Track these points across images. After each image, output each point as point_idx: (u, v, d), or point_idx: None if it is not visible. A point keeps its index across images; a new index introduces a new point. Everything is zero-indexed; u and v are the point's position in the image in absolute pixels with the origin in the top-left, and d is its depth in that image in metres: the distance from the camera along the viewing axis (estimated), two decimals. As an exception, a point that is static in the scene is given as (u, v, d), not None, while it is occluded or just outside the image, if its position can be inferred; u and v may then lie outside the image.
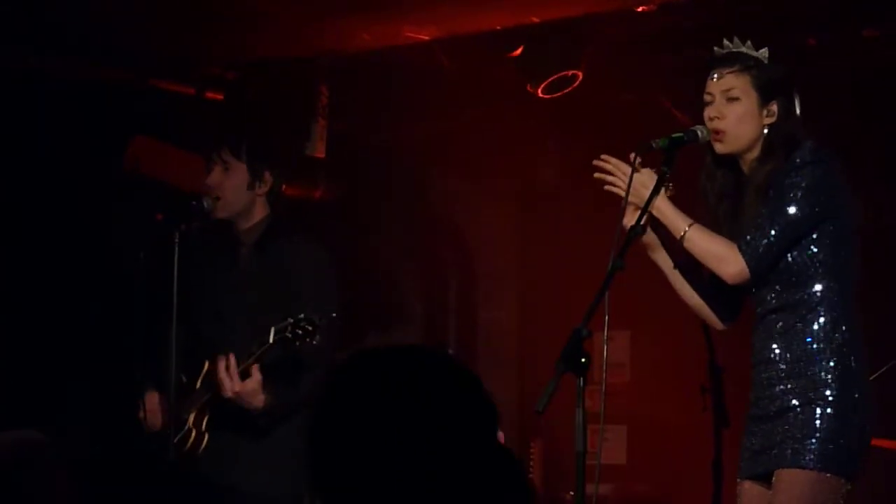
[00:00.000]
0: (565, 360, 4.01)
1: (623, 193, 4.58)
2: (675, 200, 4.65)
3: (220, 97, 8.09)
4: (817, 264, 4.52)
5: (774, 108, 4.59)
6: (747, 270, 4.51)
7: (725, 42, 4.63)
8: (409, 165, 8.70)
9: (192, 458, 5.40)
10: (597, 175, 4.67)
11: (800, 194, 4.47)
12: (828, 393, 4.45)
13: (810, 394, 4.46)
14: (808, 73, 5.56)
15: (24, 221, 7.45)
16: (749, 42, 4.60)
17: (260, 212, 5.55)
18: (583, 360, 4.00)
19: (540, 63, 7.34)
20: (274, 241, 5.52)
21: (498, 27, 7.35)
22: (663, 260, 4.75)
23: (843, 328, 4.51)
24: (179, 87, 7.98)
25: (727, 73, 4.59)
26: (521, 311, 8.85)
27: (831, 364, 4.47)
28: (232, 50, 7.78)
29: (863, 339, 4.55)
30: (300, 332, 5.05)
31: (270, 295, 5.42)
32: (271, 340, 5.11)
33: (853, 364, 4.50)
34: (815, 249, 4.52)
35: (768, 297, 4.58)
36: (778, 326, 4.56)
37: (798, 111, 4.62)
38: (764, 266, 4.52)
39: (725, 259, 4.54)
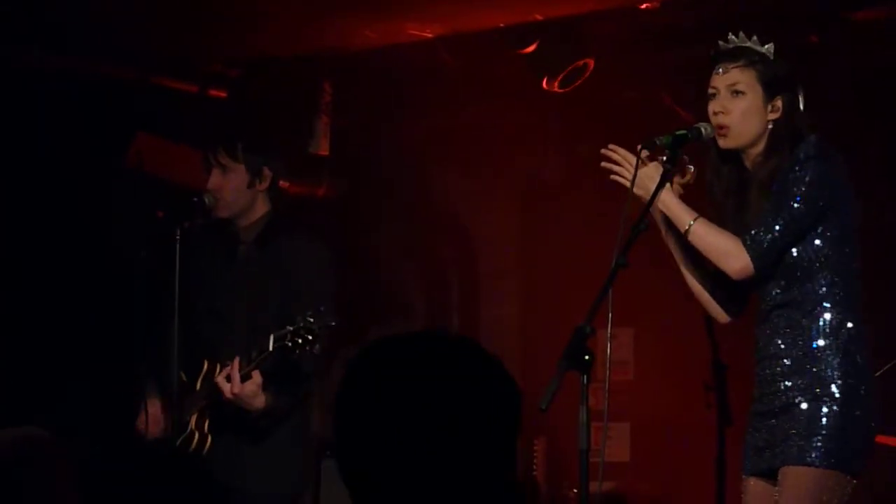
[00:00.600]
0: (568, 358, 4.00)
1: (627, 184, 4.58)
2: (682, 196, 4.64)
3: (224, 95, 8.09)
4: (822, 259, 4.51)
5: (779, 103, 4.58)
6: (752, 265, 4.50)
7: (731, 37, 4.62)
8: (412, 163, 8.69)
9: (195, 459, 5.38)
10: (603, 164, 4.66)
11: (804, 189, 4.46)
12: (834, 389, 4.44)
13: (816, 390, 4.45)
14: (809, 70, 5.54)
15: (25, 220, 7.44)
16: (755, 37, 4.59)
17: (261, 208, 5.54)
18: (586, 357, 4.00)
19: (553, 57, 7.33)
20: (274, 238, 5.50)
21: (501, 24, 7.35)
22: (675, 245, 4.73)
23: (849, 324, 4.50)
24: (182, 85, 7.97)
25: (732, 67, 4.59)
26: (524, 309, 8.84)
27: (837, 360, 4.46)
28: (235, 48, 7.78)
29: (867, 334, 4.55)
30: (300, 340, 5.04)
31: (269, 293, 5.40)
32: (270, 348, 5.10)
33: (859, 360, 4.49)
34: (820, 244, 4.51)
35: (773, 293, 4.57)
36: (782, 322, 4.55)
37: (802, 107, 4.61)
38: (768, 261, 4.51)
39: (730, 254, 4.53)
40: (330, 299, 5.25)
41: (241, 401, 5.21)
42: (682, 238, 4.65)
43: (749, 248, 4.49)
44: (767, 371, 4.57)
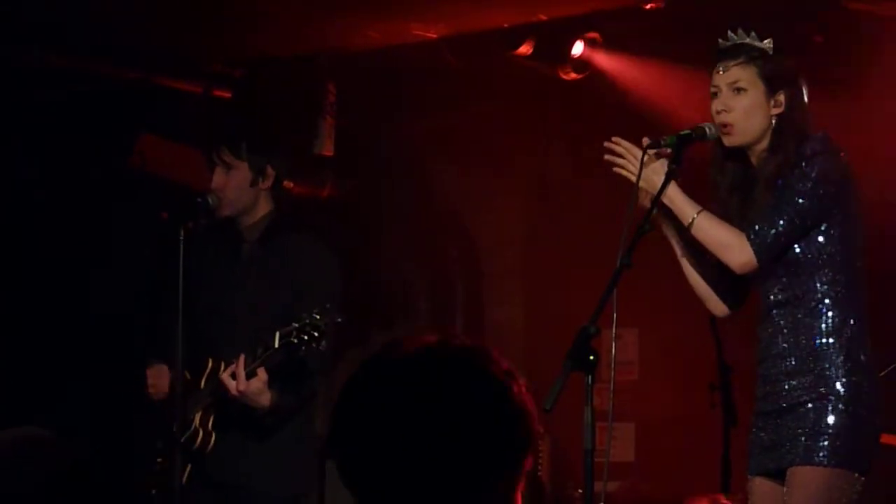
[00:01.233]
0: (573, 358, 3.99)
1: (631, 177, 4.57)
2: (687, 188, 4.63)
3: (228, 95, 8.08)
4: (825, 256, 4.50)
5: (781, 98, 4.56)
6: (755, 260, 4.49)
7: (730, 34, 4.61)
8: (415, 163, 8.68)
9: (200, 457, 5.38)
10: (607, 157, 4.64)
11: (809, 185, 4.45)
12: (839, 388, 4.43)
13: (821, 389, 4.44)
14: (813, 67, 5.52)
15: (25, 220, 7.44)
16: (753, 33, 4.57)
17: (263, 207, 5.53)
18: (591, 357, 3.98)
19: (557, 47, 7.35)
20: (277, 237, 5.50)
21: (505, 25, 7.34)
22: (674, 236, 4.72)
23: (852, 322, 4.49)
24: (186, 86, 7.97)
25: (733, 65, 4.57)
26: (528, 309, 8.83)
27: (840, 359, 4.45)
28: (238, 48, 7.78)
29: (869, 332, 4.53)
30: (305, 337, 5.03)
31: (273, 292, 5.40)
32: (276, 345, 5.09)
33: (862, 358, 4.48)
34: (823, 241, 4.50)
35: (775, 290, 4.55)
36: (785, 321, 4.53)
37: (805, 101, 4.60)
38: (772, 256, 4.49)
39: (733, 247, 4.52)
40: (335, 298, 5.25)
41: (246, 398, 5.20)
42: (682, 231, 4.63)
43: (753, 243, 4.48)
44: (772, 370, 4.56)
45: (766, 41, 4.57)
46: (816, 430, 4.41)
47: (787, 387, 4.50)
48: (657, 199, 4.51)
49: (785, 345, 4.52)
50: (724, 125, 4.58)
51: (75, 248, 7.53)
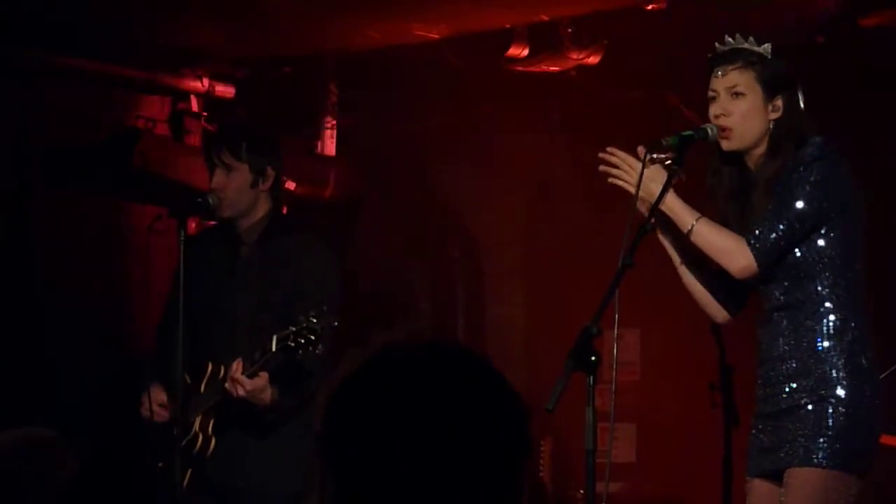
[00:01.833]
0: (575, 359, 3.99)
1: (628, 187, 4.56)
2: (685, 194, 4.62)
3: (231, 95, 8.08)
4: (825, 260, 4.49)
5: (779, 102, 4.56)
6: (755, 265, 4.48)
7: (727, 38, 4.60)
8: (417, 163, 8.68)
9: (200, 462, 5.38)
10: (602, 168, 4.63)
11: (808, 189, 4.45)
12: (839, 391, 4.42)
13: (821, 392, 4.43)
14: (815, 69, 5.51)
15: (25, 220, 7.43)
16: (751, 38, 4.57)
17: (263, 208, 5.52)
18: (592, 358, 3.98)
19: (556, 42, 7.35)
20: (276, 238, 5.49)
21: (507, 25, 7.34)
22: (672, 245, 4.71)
23: (853, 325, 4.48)
24: (188, 85, 7.96)
25: (731, 69, 4.56)
26: (529, 310, 8.83)
27: (842, 362, 4.45)
28: (240, 48, 7.77)
29: (870, 335, 4.53)
30: (302, 340, 5.04)
31: (272, 293, 5.40)
32: (274, 349, 5.09)
33: (863, 361, 4.48)
34: (823, 244, 4.49)
35: (776, 293, 4.55)
36: (786, 324, 4.53)
37: (803, 105, 4.59)
38: (771, 260, 4.49)
39: (733, 253, 4.51)
40: (333, 299, 5.24)
41: (250, 396, 5.20)
42: (680, 238, 4.63)
43: (752, 248, 4.47)
44: (772, 373, 4.56)
45: (763, 45, 4.56)
46: (815, 432, 4.41)
47: (787, 389, 4.50)
48: (655, 207, 4.50)
49: (786, 347, 4.52)
50: (723, 129, 4.57)
51: (74, 248, 7.52)
